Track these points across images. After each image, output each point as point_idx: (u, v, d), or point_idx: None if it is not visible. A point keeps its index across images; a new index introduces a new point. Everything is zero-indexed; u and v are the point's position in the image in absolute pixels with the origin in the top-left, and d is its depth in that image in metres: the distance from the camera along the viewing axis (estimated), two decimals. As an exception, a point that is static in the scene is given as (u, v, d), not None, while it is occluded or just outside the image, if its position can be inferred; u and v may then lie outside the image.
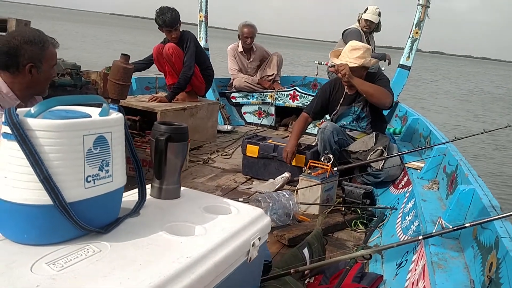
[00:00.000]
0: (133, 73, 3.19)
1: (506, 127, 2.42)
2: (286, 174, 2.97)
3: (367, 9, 4.57)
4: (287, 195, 2.35)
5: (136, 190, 1.22)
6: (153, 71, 4.19)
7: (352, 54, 2.98)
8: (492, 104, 17.93)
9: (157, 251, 0.97)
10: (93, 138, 0.94)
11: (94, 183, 0.95)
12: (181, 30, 3.71)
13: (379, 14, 4.58)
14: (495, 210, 1.47)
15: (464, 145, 7.66)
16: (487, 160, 7.60)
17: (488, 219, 1.23)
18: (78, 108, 1.03)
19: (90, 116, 0.98)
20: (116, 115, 1.03)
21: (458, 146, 2.69)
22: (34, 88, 1.79)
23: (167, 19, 3.54)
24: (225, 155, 3.65)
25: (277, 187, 2.86)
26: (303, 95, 4.83)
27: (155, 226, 1.09)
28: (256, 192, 2.82)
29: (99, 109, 1.01)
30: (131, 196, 1.22)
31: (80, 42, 21.78)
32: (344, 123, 3.16)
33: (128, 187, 1.15)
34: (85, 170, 0.93)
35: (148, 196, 1.26)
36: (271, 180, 2.99)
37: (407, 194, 2.49)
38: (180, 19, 3.63)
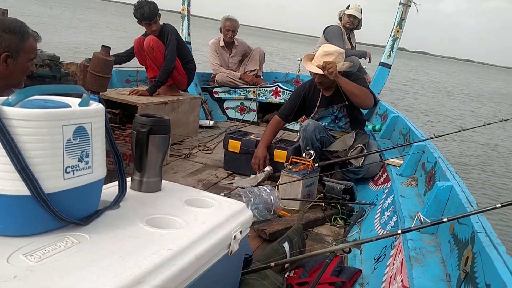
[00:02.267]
0: (114, 66, 3.15)
1: (483, 125, 2.48)
2: (268, 168, 2.97)
3: (349, 6, 4.60)
4: (268, 190, 2.36)
5: (116, 183, 1.20)
6: (134, 64, 4.13)
7: (325, 59, 2.95)
8: (476, 102, 18.36)
9: (137, 243, 0.96)
10: (72, 128, 0.92)
11: (73, 174, 0.93)
12: (161, 23, 3.67)
13: (361, 11, 4.62)
14: (472, 205, 1.50)
15: (443, 143, 7.84)
16: (466, 157, 7.78)
17: (465, 214, 1.26)
18: (58, 98, 1.01)
19: (70, 106, 0.96)
20: (96, 106, 1.01)
21: (437, 143, 2.74)
22: (8, 79, 1.73)
23: (146, 13, 3.50)
24: (207, 150, 3.64)
25: (258, 181, 2.86)
26: (286, 91, 4.85)
27: (135, 219, 1.08)
28: (238, 187, 2.82)
29: (79, 100, 0.99)
30: (111, 189, 1.20)
31: (65, 27, 21.28)
32: (323, 123, 3.17)
33: (107, 181, 1.13)
34: (64, 161, 0.91)
35: (128, 189, 1.25)
36: (252, 175, 2.99)
37: (386, 190, 2.52)
38: (159, 12, 3.59)
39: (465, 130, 2.56)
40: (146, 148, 1.24)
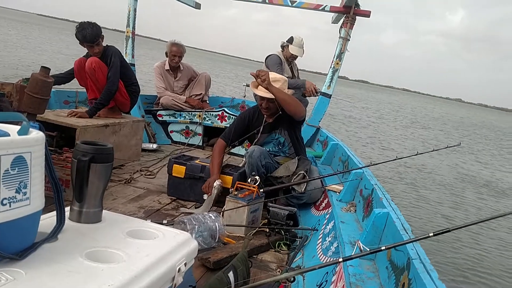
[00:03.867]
0: (52, 86, 3.02)
1: (416, 154, 2.65)
2: (218, 182, 2.95)
3: (291, 38, 4.73)
4: (213, 217, 2.34)
5: (54, 213, 1.15)
6: (74, 85, 3.98)
7: (267, 93, 3.02)
8: (409, 128, 19.52)
9: (77, 279, 0.91)
10: (11, 158, 0.88)
11: (10, 206, 0.88)
12: (105, 44, 3.60)
13: (303, 45, 4.75)
14: (407, 232, 1.59)
15: (379, 170, 8.23)
16: (400, 183, 8.20)
17: (401, 243, 1.33)
18: (-6, 125, 0.95)
19: (9, 135, 0.91)
20: (36, 134, 0.97)
21: (375, 170, 2.88)
22: None
23: (88, 35, 3.41)
24: (149, 174, 3.55)
25: (213, 198, 2.85)
26: (231, 116, 4.89)
27: (75, 252, 1.03)
28: (181, 213, 2.77)
29: (18, 127, 0.95)
30: (48, 219, 1.14)
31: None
32: (268, 149, 3.23)
33: (44, 208, 1.07)
34: (1, 192, 0.86)
35: (67, 220, 1.19)
36: (205, 197, 2.93)
37: (327, 216, 2.60)
38: (102, 34, 3.52)
39: (399, 158, 2.72)
40: (87, 177, 1.20)
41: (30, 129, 0.97)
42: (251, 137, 3.30)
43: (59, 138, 3.24)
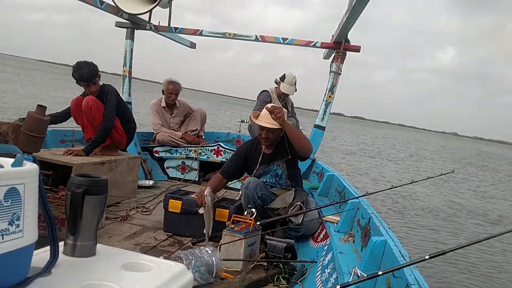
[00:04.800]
0: (48, 126, 3.05)
1: (411, 183, 2.66)
2: (208, 189, 2.99)
3: (284, 75, 4.83)
4: (210, 251, 2.31)
5: (48, 248, 1.13)
6: (70, 124, 4.02)
7: (272, 118, 3.07)
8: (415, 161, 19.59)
9: (70, 312, 0.90)
10: (4, 190, 0.88)
11: (2, 238, 0.87)
12: (101, 83, 3.66)
13: (295, 82, 4.84)
14: (404, 258, 1.58)
15: (376, 199, 8.21)
16: (397, 211, 8.17)
17: (397, 267, 1.32)
18: (-12, 159, 0.96)
19: (2, 166, 0.92)
20: (30, 166, 0.98)
21: (371, 199, 2.88)
22: None
23: (84, 74, 3.48)
24: (145, 211, 3.53)
25: (209, 204, 2.90)
26: (227, 150, 4.91)
27: (69, 286, 1.02)
28: (178, 249, 2.74)
29: (11, 160, 0.96)
30: (42, 254, 1.13)
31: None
32: (264, 180, 3.24)
33: (38, 247, 1.07)
34: (-7, 225, 0.85)
35: (60, 254, 1.18)
36: (201, 210, 2.95)
37: (326, 247, 2.57)
38: (99, 73, 3.59)
39: (395, 187, 2.72)
40: (81, 209, 1.19)
41: (24, 161, 0.98)
42: (249, 169, 3.31)
43: (55, 176, 3.24)
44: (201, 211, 2.96)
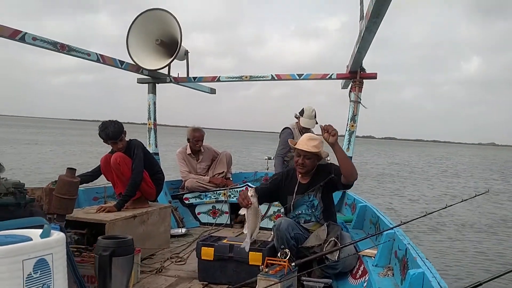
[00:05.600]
0: (80, 185, 3.14)
1: (445, 207, 2.57)
2: (252, 190, 2.98)
3: (303, 110, 4.85)
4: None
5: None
6: (101, 181, 4.13)
7: (310, 143, 3.13)
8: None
9: None
10: (33, 262, 0.91)
11: (33, 310, 0.90)
12: (127, 139, 3.78)
13: (315, 115, 4.86)
14: (444, 291, 1.51)
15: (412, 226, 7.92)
16: (433, 237, 7.82)
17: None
18: (19, 232, 1.01)
19: (31, 239, 0.96)
20: (57, 236, 1.01)
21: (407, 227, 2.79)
22: None
23: (110, 133, 3.62)
24: (180, 261, 3.52)
25: (256, 204, 2.92)
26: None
27: None
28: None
29: (40, 231, 1.00)
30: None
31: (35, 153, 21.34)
32: (300, 212, 3.22)
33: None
34: (24, 298, 0.88)
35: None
36: (242, 211, 2.95)
37: (365, 284, 2.49)
38: (124, 129, 3.72)
39: (429, 214, 2.63)
40: (109, 271, 1.22)
41: (52, 231, 1.01)
42: (282, 197, 3.30)
43: (90, 235, 3.29)
44: (242, 211, 2.95)
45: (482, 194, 2.59)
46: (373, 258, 2.74)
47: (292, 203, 3.22)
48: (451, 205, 2.58)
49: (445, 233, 8.21)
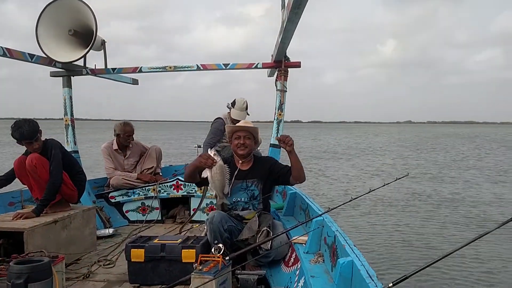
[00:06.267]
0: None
1: (369, 192, 2.70)
2: (212, 150, 2.99)
3: (234, 101, 4.81)
4: (179, 300, 2.22)
5: None
6: (17, 184, 3.79)
7: (248, 123, 3.35)
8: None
9: None
10: None
11: None
12: (43, 139, 3.51)
13: (247, 107, 4.82)
14: (372, 279, 1.57)
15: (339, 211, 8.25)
16: (360, 226, 8.16)
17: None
18: None
19: None
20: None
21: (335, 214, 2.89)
22: None
23: (25, 132, 3.33)
24: (108, 264, 3.36)
25: (219, 161, 2.93)
26: (187, 183, 4.81)
27: None
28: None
29: None
30: None
31: None
32: (238, 199, 3.24)
33: None
34: None
35: None
36: (205, 174, 2.96)
37: (297, 272, 2.55)
38: (40, 129, 3.44)
39: (355, 198, 2.75)
40: (26, 300, 1.10)
41: None
42: None
43: (7, 245, 3.04)
44: (204, 174, 2.95)
45: (402, 177, 2.76)
46: (304, 245, 2.81)
47: (230, 187, 3.21)
48: (374, 189, 2.71)
49: (371, 216, 8.65)
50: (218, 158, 2.96)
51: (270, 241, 2.94)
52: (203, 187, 4.63)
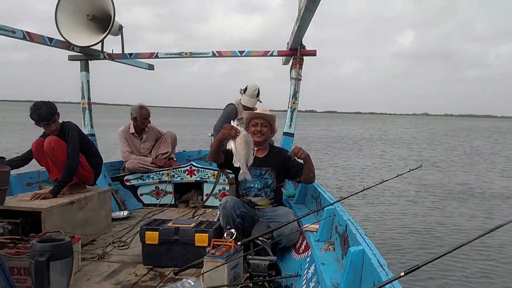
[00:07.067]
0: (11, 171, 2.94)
1: (381, 182, 2.70)
2: (234, 121, 3.00)
3: (246, 87, 4.82)
4: (192, 283, 2.27)
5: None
6: (34, 165, 3.88)
7: (266, 110, 3.41)
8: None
9: None
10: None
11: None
12: (61, 121, 3.57)
13: (258, 94, 4.84)
14: (383, 268, 1.59)
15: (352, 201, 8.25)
16: (372, 211, 8.20)
17: (379, 285, 1.33)
18: None
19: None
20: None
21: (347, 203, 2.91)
22: None
23: (43, 113, 3.39)
24: (123, 245, 3.44)
25: (243, 130, 2.94)
26: (200, 169, 4.87)
27: None
28: (160, 283, 2.68)
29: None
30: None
31: None
32: (252, 185, 3.28)
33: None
34: None
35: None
36: (230, 145, 2.94)
37: (308, 259, 2.58)
38: (58, 111, 3.51)
39: (367, 188, 2.76)
40: (47, 277, 1.15)
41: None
42: (237, 169, 3.15)
43: (25, 224, 3.12)
44: (229, 146, 2.94)
45: (416, 169, 2.75)
46: (315, 233, 2.83)
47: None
48: (386, 180, 2.72)
49: (383, 206, 8.64)
50: (241, 128, 2.96)
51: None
52: (217, 172, 4.69)
